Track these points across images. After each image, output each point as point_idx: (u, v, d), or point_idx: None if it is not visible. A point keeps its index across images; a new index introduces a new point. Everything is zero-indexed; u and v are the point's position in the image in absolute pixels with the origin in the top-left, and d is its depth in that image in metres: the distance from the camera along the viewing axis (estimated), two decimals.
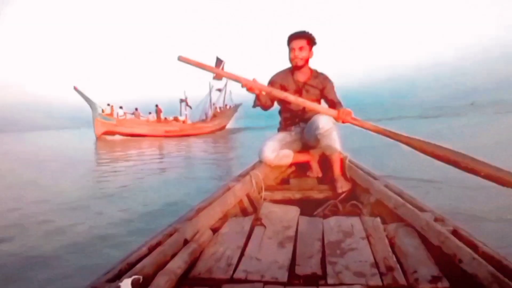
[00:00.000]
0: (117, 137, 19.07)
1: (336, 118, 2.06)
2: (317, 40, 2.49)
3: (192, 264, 1.23)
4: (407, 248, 1.27)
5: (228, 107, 28.82)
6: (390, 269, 1.12)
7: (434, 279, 1.05)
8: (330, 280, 1.08)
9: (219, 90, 27.73)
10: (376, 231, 1.43)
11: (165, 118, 23.38)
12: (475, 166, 1.38)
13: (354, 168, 2.30)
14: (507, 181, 1.28)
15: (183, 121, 23.97)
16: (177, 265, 1.11)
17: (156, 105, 23.24)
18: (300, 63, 2.48)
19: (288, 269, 1.18)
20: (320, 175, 2.59)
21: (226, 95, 28.51)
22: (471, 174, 1.40)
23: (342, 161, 2.37)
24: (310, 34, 2.47)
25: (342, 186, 2.20)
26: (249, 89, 2.16)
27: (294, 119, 2.68)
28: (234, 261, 1.24)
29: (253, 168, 2.43)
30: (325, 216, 1.76)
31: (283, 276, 1.12)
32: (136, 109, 22.53)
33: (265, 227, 1.56)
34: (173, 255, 1.20)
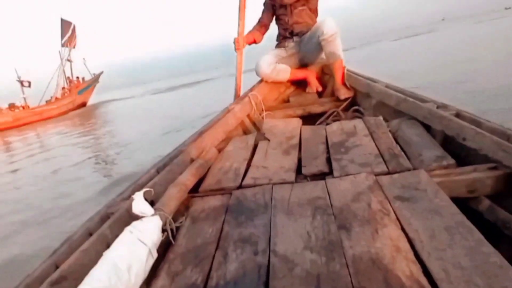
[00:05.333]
0: None
1: None
2: None
3: (201, 179, 1.26)
4: (410, 137, 1.28)
5: (82, 79, 23.00)
6: (394, 156, 1.14)
7: (439, 158, 1.06)
8: (336, 174, 1.10)
9: (69, 60, 22.00)
10: (379, 127, 1.43)
11: None
12: None
13: (353, 75, 2.25)
14: None
15: (23, 107, 18.75)
16: (186, 177, 1.14)
17: None
18: None
19: (295, 172, 1.20)
20: (320, 89, 2.54)
21: (75, 65, 22.79)
22: None
23: (343, 70, 2.31)
24: None
25: (344, 94, 2.18)
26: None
27: (286, 34, 2.61)
28: (242, 171, 1.27)
29: (252, 89, 2.39)
30: (327, 125, 1.76)
31: (291, 177, 1.15)
32: None
33: (268, 140, 1.57)
34: (181, 172, 1.23)
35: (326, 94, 2.51)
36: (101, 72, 24.67)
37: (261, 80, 2.52)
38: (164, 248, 0.87)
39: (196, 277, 0.75)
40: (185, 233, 0.93)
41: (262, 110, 2.20)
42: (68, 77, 22.18)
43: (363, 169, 1.09)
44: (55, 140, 8.52)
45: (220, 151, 1.55)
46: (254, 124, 2.08)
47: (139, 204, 0.89)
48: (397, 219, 0.82)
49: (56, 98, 20.66)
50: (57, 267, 0.77)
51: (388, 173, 1.05)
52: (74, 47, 21.86)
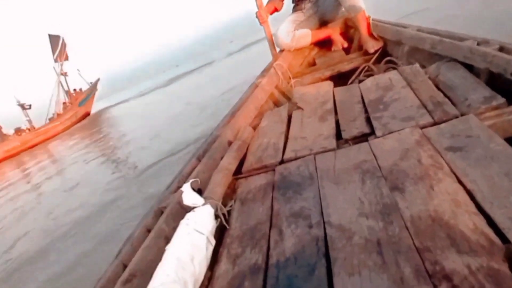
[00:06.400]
0: None
1: None
2: None
3: (242, 160, 1.27)
4: (452, 81, 1.19)
5: (79, 90, 22.89)
6: (438, 105, 1.07)
7: (487, 99, 0.99)
8: (378, 133, 1.06)
9: (64, 74, 21.86)
10: (417, 76, 1.34)
11: (4, 134, 17.83)
12: None
13: (380, 24, 2.11)
14: None
15: (29, 130, 18.63)
16: (228, 161, 1.15)
17: None
18: None
19: (335, 137, 1.18)
20: (345, 45, 2.43)
21: (71, 77, 22.55)
22: None
23: (368, 20, 2.18)
24: None
25: (373, 45, 2.06)
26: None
27: None
28: (281, 146, 1.26)
29: (275, 59, 2.33)
30: (360, 82, 1.69)
31: (332, 144, 1.13)
32: None
33: (302, 109, 1.53)
34: (221, 157, 1.24)
35: (354, 50, 2.40)
36: (98, 79, 24.49)
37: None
38: (220, 234, 0.90)
39: (256, 257, 0.77)
40: (237, 216, 0.95)
41: (290, 78, 2.15)
42: (68, 91, 22.42)
43: (407, 124, 1.04)
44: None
45: (255, 128, 1.55)
46: (284, 94, 2.04)
47: (188, 195, 0.92)
48: (452, 171, 0.78)
49: (58, 114, 20.90)
50: (125, 266, 0.82)
51: (435, 124, 0.99)
52: (66, 60, 21.98)
